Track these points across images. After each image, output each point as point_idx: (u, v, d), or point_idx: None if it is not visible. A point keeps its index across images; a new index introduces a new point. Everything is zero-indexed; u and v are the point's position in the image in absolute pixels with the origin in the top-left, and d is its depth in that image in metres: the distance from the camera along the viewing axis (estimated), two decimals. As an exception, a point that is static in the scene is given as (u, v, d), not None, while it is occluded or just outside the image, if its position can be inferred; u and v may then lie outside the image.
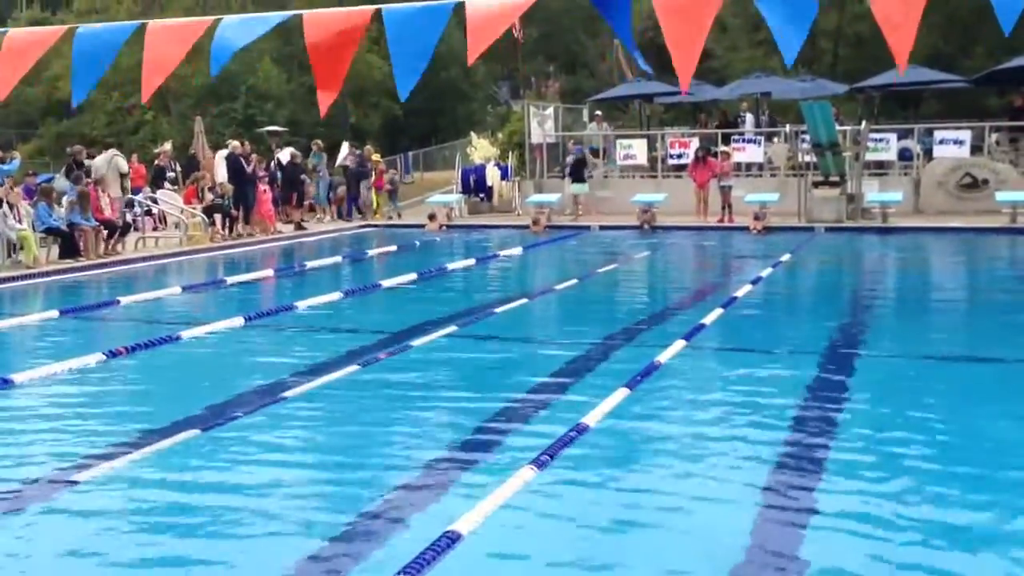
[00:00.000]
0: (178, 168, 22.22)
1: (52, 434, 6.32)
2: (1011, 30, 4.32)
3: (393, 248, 18.06)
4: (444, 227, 21.86)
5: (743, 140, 23.69)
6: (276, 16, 6.26)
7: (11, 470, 5.51)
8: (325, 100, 5.87)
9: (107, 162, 19.96)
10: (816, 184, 20.68)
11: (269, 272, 15.01)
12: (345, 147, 26.12)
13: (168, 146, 22.95)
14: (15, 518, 4.83)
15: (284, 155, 23.27)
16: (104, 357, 8.27)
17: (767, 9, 4.70)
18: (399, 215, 24.22)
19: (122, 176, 19.73)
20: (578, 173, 23.30)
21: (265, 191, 20.30)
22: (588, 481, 5.20)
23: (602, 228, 20.97)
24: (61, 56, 41.89)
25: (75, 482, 5.26)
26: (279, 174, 22.59)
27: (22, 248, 14.76)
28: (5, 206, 14.77)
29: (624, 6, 5.83)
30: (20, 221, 15.02)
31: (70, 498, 5.07)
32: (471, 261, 15.90)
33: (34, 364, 8.05)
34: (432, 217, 21.93)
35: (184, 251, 17.17)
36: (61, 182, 17.78)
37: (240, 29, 6.07)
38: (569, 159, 23.50)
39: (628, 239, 19.21)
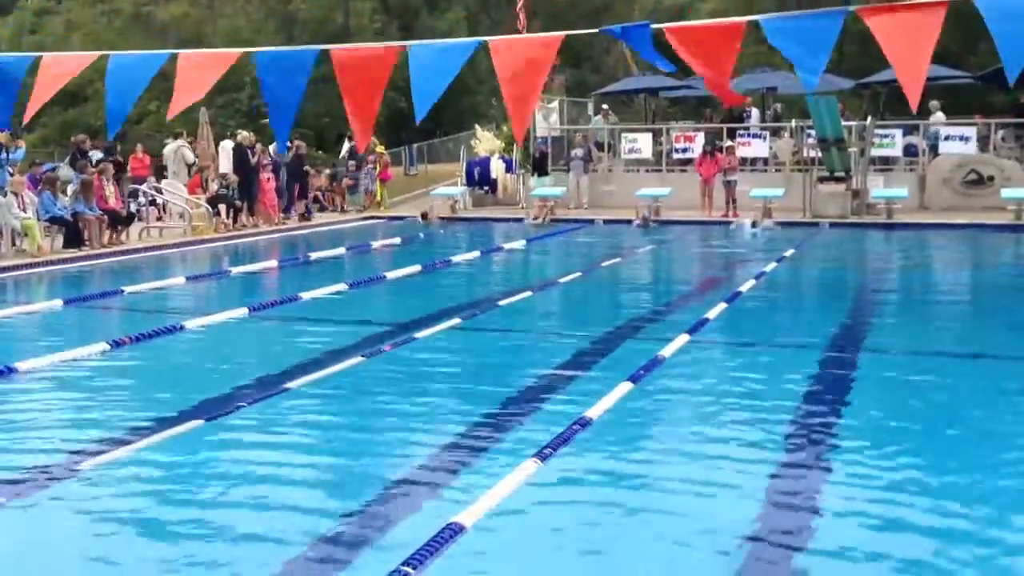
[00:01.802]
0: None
1: (55, 423, 6.33)
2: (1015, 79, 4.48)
3: (397, 240, 18.06)
4: (441, 219, 21.87)
5: (748, 135, 23.65)
6: (311, 51, 6.36)
7: (14, 458, 5.51)
8: (363, 135, 5.99)
9: (174, 152, 20.20)
10: (821, 180, 20.66)
11: (273, 263, 15.03)
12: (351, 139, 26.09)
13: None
14: (18, 506, 4.84)
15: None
16: (108, 347, 8.28)
17: (782, 44, 4.79)
18: (347, 209, 23.90)
19: (188, 166, 19.86)
20: (542, 168, 23.43)
21: (269, 180, 20.27)
22: (591, 474, 5.19)
23: (606, 222, 20.95)
24: (66, 47, 41.96)
25: (78, 471, 5.26)
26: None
27: (26, 236, 14.77)
28: (10, 195, 14.79)
29: (645, 35, 5.88)
30: (24, 210, 15.03)
31: (74, 487, 5.08)
32: (475, 254, 15.90)
33: (38, 353, 8.06)
34: (424, 216, 21.79)
35: (188, 241, 17.18)
36: (66, 171, 17.81)
37: (282, 71, 6.18)
38: (577, 150, 23.56)
39: (631, 233, 19.18)
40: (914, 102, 4.67)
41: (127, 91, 6.52)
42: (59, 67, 6.75)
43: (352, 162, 24.45)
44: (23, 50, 44.73)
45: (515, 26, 30.11)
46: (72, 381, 7.40)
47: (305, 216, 21.46)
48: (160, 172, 20.89)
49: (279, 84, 6.13)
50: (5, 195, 14.82)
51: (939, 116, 23.35)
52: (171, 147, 21.11)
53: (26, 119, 7.66)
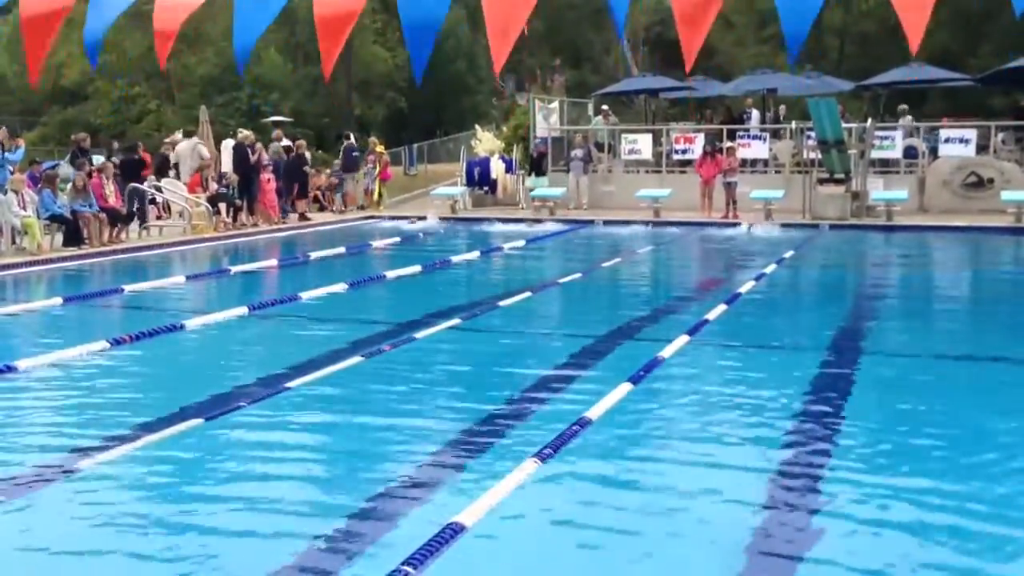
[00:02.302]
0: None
1: (55, 421, 6.33)
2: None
3: (396, 240, 18.06)
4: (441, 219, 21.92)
5: (748, 136, 23.65)
6: None
7: (13, 457, 5.52)
8: (328, 60, 6.11)
9: (190, 149, 20.27)
10: (821, 181, 20.65)
11: (273, 262, 15.03)
12: (350, 138, 26.09)
13: (179, 135, 22.94)
14: (17, 504, 4.83)
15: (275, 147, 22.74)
16: (108, 345, 8.28)
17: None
18: (343, 208, 23.97)
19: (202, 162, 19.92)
20: (539, 167, 23.53)
21: (269, 180, 20.26)
22: (591, 474, 5.20)
23: (606, 223, 20.94)
24: (68, 43, 42.01)
25: (78, 469, 5.27)
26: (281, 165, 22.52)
27: (26, 234, 14.76)
28: (10, 193, 14.78)
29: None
30: (24, 208, 15.02)
31: (73, 485, 5.08)
32: (475, 254, 15.89)
33: (38, 351, 8.06)
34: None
35: (188, 240, 17.17)
36: (66, 169, 17.81)
37: (253, 16, 6.48)
38: (577, 151, 23.57)
39: (631, 234, 19.17)
40: (915, 43, 4.62)
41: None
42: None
43: (336, 161, 24.50)
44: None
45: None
46: (72, 379, 7.39)
47: (304, 216, 21.44)
48: (161, 171, 20.81)
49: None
50: (5, 193, 14.81)
51: (908, 120, 23.75)
52: (186, 144, 21.12)
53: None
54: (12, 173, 15.92)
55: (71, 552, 4.34)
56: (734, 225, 19.81)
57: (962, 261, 15.95)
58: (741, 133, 23.75)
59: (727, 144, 22.37)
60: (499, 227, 20.44)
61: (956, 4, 30.81)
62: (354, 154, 24.72)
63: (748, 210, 20.47)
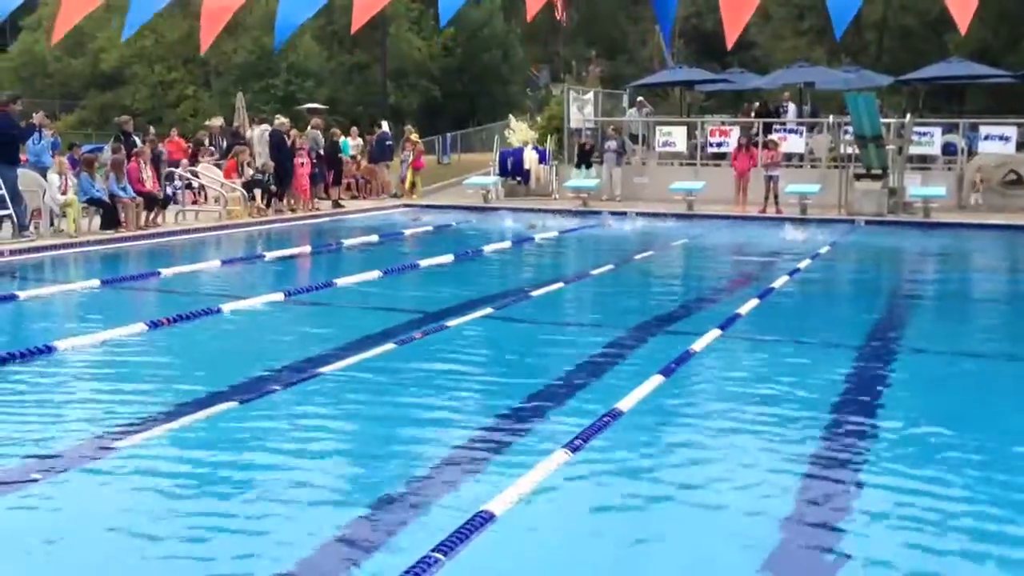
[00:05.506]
0: (223, 144, 22.31)
1: (91, 402, 6.43)
2: None
3: (429, 228, 18.11)
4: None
5: (785, 130, 23.47)
6: None
7: (51, 436, 5.60)
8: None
9: (260, 135, 20.82)
10: (858, 176, 20.45)
11: (307, 248, 15.13)
12: (384, 127, 26.14)
13: (216, 121, 23.14)
14: (53, 483, 4.91)
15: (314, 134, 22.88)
16: (145, 327, 8.38)
17: None
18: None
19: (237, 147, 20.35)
20: (585, 159, 23.65)
21: (303, 164, 20.33)
22: (621, 465, 5.21)
23: (639, 215, 20.87)
24: (106, 27, 42.42)
25: (112, 449, 5.34)
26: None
27: (64, 217, 14.93)
28: (52, 175, 14.96)
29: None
30: (65, 192, 15.19)
31: (107, 466, 5.14)
32: (507, 243, 15.90)
33: (76, 332, 8.17)
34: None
35: (223, 225, 17.31)
36: (108, 153, 18.01)
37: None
38: (610, 142, 23.48)
39: (664, 226, 19.09)
40: (963, 24, 4.56)
41: None
42: None
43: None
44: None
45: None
46: (109, 361, 7.50)
47: (337, 203, 21.54)
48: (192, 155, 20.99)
49: None
50: (46, 176, 14.99)
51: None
52: (258, 131, 21.54)
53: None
54: (53, 156, 16.14)
55: (107, 529, 4.41)
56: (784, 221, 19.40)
57: (999, 260, 15.75)
58: (777, 127, 23.57)
59: (769, 137, 22.15)
60: (531, 218, 20.39)
61: (998, 1, 30.36)
62: (388, 143, 24.79)
63: (785, 204, 20.31)
